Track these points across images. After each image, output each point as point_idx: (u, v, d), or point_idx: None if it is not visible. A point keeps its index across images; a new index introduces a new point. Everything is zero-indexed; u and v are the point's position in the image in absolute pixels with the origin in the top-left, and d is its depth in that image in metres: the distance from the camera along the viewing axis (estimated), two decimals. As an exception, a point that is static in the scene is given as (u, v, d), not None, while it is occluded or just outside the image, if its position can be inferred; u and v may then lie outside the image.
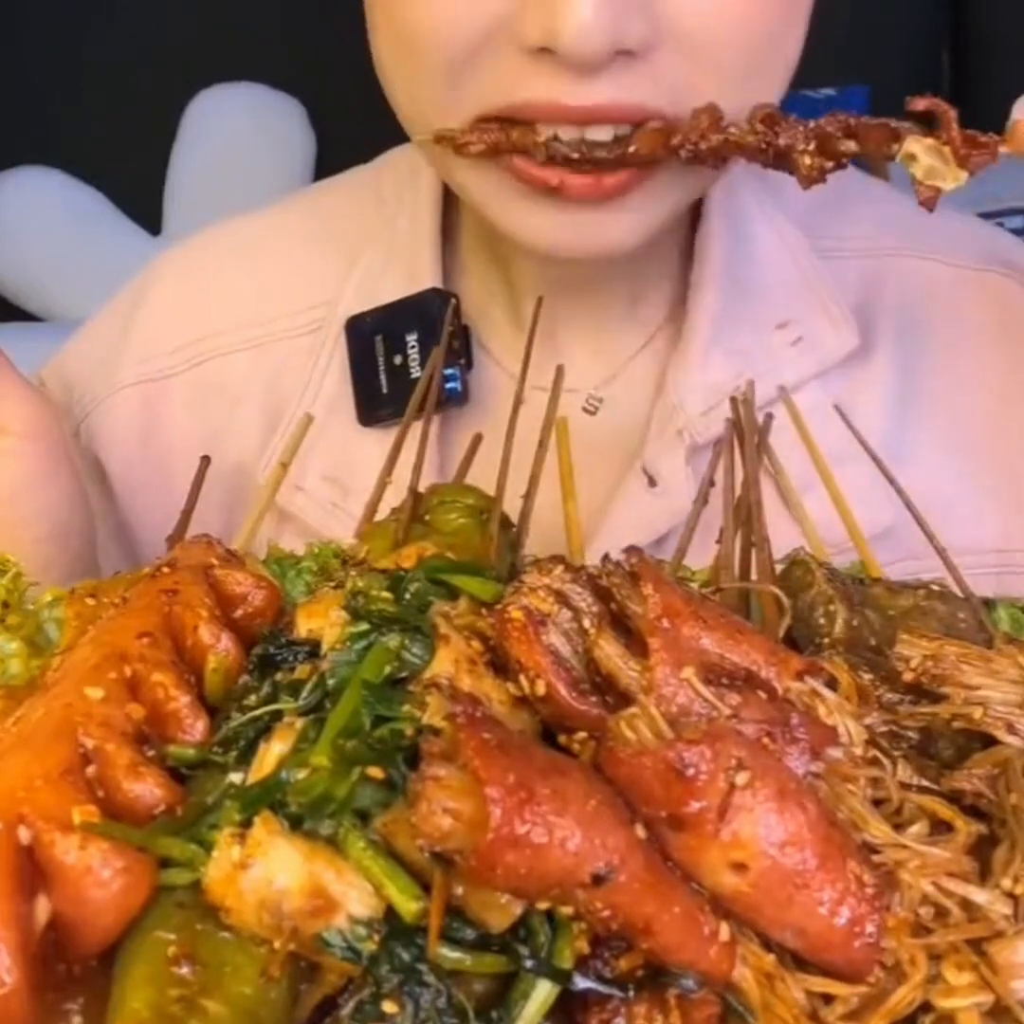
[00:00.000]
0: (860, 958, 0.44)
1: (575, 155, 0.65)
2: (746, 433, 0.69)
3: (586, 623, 0.52)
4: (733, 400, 0.75)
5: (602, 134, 0.66)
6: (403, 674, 0.50)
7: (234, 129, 2.42)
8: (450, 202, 0.85)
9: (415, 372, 0.82)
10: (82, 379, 0.92)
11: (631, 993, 0.43)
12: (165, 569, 0.58)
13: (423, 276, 0.84)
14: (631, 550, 0.53)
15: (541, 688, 0.49)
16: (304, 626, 0.54)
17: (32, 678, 0.58)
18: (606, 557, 0.54)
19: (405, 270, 0.85)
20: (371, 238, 0.87)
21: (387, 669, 0.49)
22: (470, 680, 0.49)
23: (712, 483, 0.68)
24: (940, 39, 2.62)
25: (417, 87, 0.70)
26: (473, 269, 0.86)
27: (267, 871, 0.42)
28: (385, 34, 0.70)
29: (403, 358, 0.82)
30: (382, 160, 0.93)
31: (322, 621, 0.53)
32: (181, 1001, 0.41)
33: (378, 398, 0.83)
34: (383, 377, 0.83)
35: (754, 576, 0.63)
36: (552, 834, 0.41)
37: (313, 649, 0.53)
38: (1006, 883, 0.46)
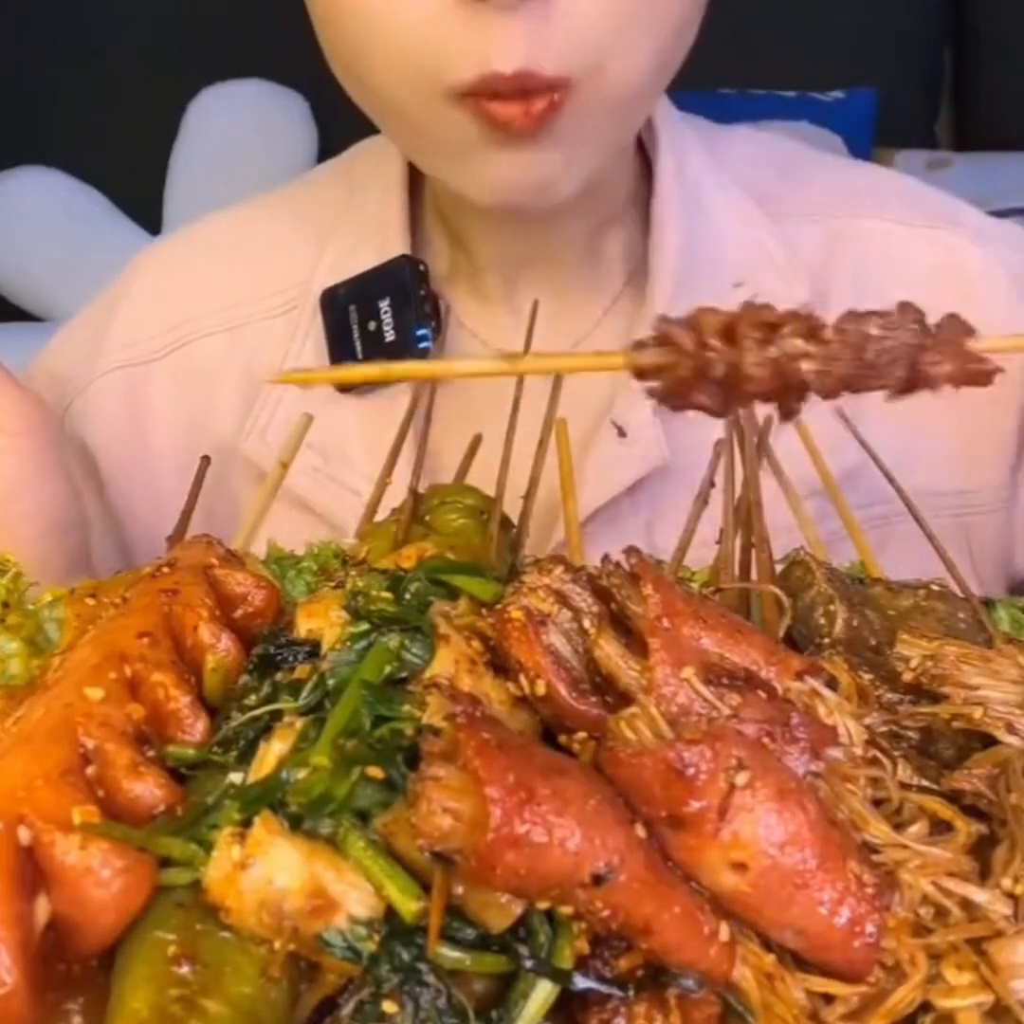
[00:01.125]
0: (860, 958, 0.44)
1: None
2: (746, 433, 0.69)
3: (586, 623, 0.52)
4: (733, 400, 0.75)
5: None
6: (403, 674, 0.50)
7: (236, 126, 2.42)
8: (415, 184, 0.89)
9: (389, 336, 0.85)
10: (67, 369, 0.94)
11: (631, 993, 0.43)
12: (165, 569, 0.58)
13: (393, 247, 0.87)
14: (631, 550, 0.53)
15: (541, 688, 0.49)
16: (304, 626, 0.54)
17: (32, 678, 0.58)
18: (606, 557, 0.54)
19: (376, 244, 0.88)
20: (343, 219, 0.90)
21: (387, 669, 0.50)
22: (470, 680, 0.49)
23: (712, 483, 0.68)
24: (941, 39, 2.62)
25: (379, 75, 0.73)
26: (437, 248, 0.90)
27: (267, 871, 0.42)
28: (337, 29, 0.73)
29: (377, 324, 0.85)
30: (353, 151, 0.96)
31: (322, 621, 0.53)
32: (181, 1001, 0.41)
33: (355, 364, 0.86)
34: (358, 344, 0.86)
35: (754, 576, 0.63)
36: (552, 834, 0.41)
37: (313, 649, 0.53)
38: (1006, 883, 0.46)
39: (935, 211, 0.91)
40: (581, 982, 0.43)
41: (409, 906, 0.42)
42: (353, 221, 0.90)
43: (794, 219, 0.89)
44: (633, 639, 0.51)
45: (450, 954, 0.42)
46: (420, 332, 0.84)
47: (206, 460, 0.73)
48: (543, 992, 0.43)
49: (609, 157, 0.79)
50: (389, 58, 0.71)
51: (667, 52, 0.74)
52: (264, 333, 0.90)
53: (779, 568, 0.63)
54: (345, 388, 0.86)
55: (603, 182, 0.81)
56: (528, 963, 0.42)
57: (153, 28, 2.44)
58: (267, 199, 0.98)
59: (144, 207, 2.46)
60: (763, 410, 0.76)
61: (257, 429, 0.87)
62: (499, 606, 0.52)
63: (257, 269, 0.92)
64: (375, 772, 0.45)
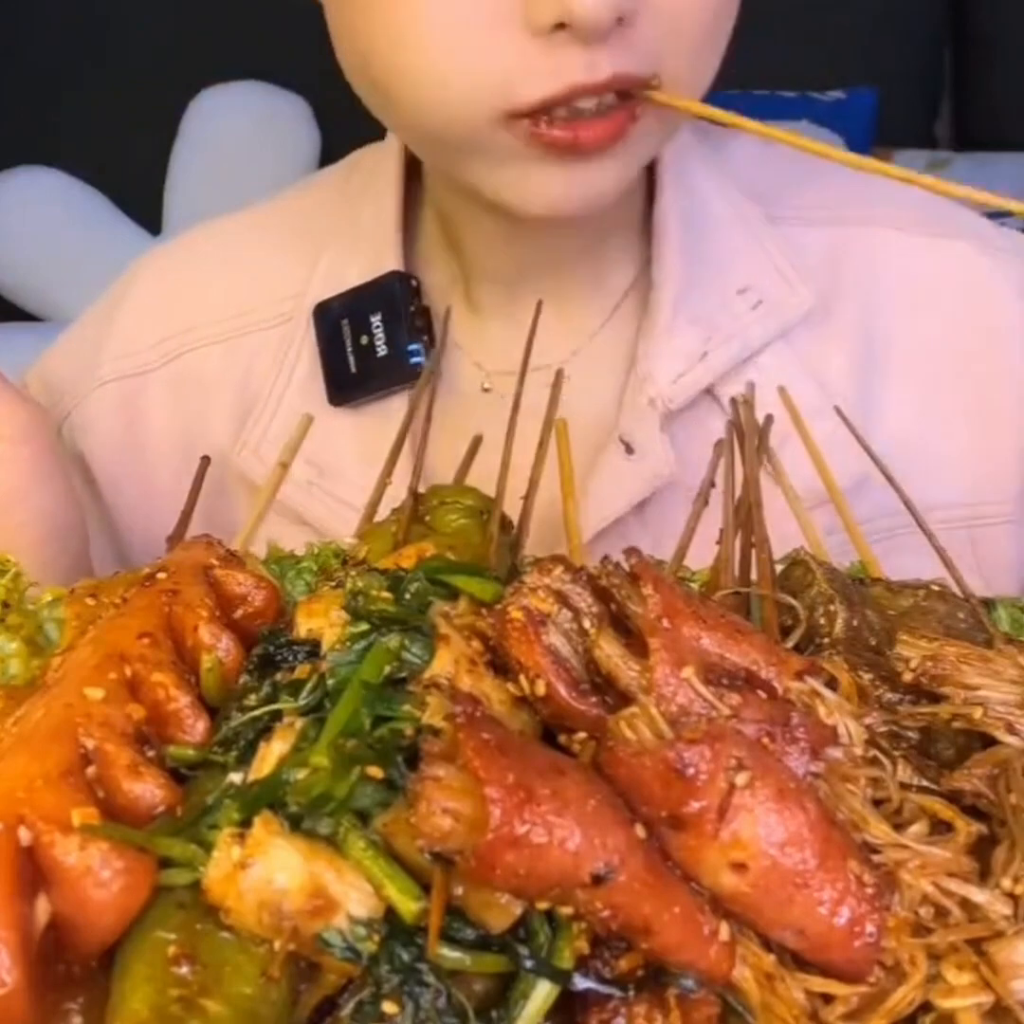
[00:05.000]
0: (860, 958, 0.44)
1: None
2: (746, 433, 0.69)
3: (586, 623, 0.52)
4: (733, 401, 0.75)
5: (587, 104, 0.69)
6: (403, 674, 0.50)
7: (236, 128, 2.42)
8: (410, 198, 0.89)
9: (381, 351, 0.85)
10: (64, 378, 0.94)
11: (631, 993, 0.43)
12: (164, 570, 0.58)
13: (386, 262, 0.87)
14: (631, 551, 0.54)
15: (541, 688, 0.49)
16: (304, 626, 0.54)
17: (32, 678, 0.58)
18: (606, 557, 0.54)
19: (369, 258, 0.88)
20: (337, 232, 0.90)
21: (387, 669, 0.50)
22: (470, 680, 0.49)
23: (712, 483, 0.68)
24: (941, 39, 2.62)
25: (428, 91, 0.70)
26: (432, 259, 0.90)
27: (267, 871, 0.42)
28: (384, 37, 0.70)
29: (369, 338, 0.86)
30: (349, 160, 0.96)
31: (322, 621, 0.53)
32: (181, 1001, 0.41)
33: (347, 378, 0.87)
34: (351, 358, 0.86)
35: (754, 576, 0.63)
36: (552, 834, 0.41)
37: (313, 649, 0.53)
38: (1006, 883, 0.46)
39: (941, 218, 0.90)
40: (581, 982, 0.43)
41: (409, 906, 0.42)
42: (346, 233, 0.90)
43: (797, 223, 0.88)
44: (633, 639, 0.51)
45: (450, 954, 0.42)
46: (411, 347, 0.85)
47: (206, 460, 0.73)
48: (543, 992, 0.43)
49: (641, 172, 0.79)
50: (439, 76, 0.69)
51: (720, 60, 0.75)
52: (260, 345, 0.90)
53: (779, 568, 0.63)
54: (339, 401, 0.87)
55: None
56: (528, 963, 0.42)
57: (154, 28, 2.44)
58: (263, 209, 0.98)
59: (144, 207, 2.45)
60: (762, 410, 0.76)
61: (251, 443, 0.88)
62: (499, 606, 0.52)
63: (253, 281, 0.92)
64: (375, 772, 0.45)
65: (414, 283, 0.86)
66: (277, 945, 0.42)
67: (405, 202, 0.88)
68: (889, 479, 0.69)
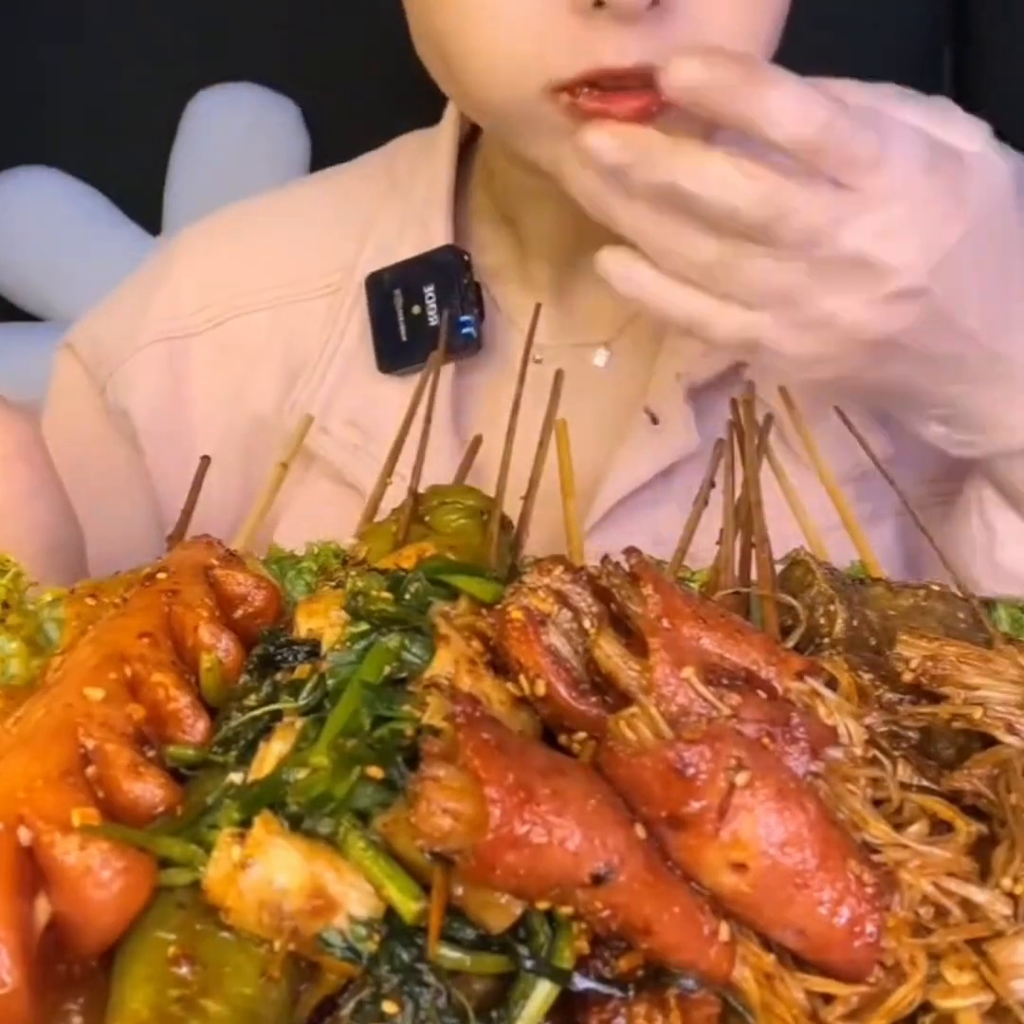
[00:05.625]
0: (860, 958, 0.44)
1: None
2: (746, 433, 0.69)
3: (586, 623, 0.52)
4: (733, 401, 0.75)
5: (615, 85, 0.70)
6: (403, 674, 0.50)
7: (232, 129, 2.41)
8: (460, 175, 0.91)
9: (433, 320, 0.87)
10: (109, 339, 0.97)
11: (631, 993, 0.43)
12: (164, 570, 0.58)
13: (437, 236, 0.89)
14: (631, 551, 0.54)
15: (541, 688, 0.49)
16: (304, 626, 0.54)
17: (32, 678, 0.58)
18: (606, 557, 0.54)
19: (421, 233, 0.90)
20: (386, 210, 0.93)
21: (387, 669, 0.50)
22: (470, 680, 0.49)
23: (712, 484, 0.68)
24: (941, 39, 2.62)
25: (481, 61, 0.73)
26: (484, 235, 0.92)
27: (267, 871, 0.42)
28: (442, 12, 0.74)
29: (421, 308, 0.88)
30: (394, 145, 0.98)
31: (322, 621, 0.53)
32: (181, 1001, 0.41)
33: (398, 346, 0.89)
34: (402, 327, 0.89)
35: (754, 576, 0.63)
36: (552, 834, 0.41)
37: (313, 649, 0.53)
38: (1006, 883, 0.46)
39: None
40: (581, 982, 0.43)
41: (409, 906, 0.42)
42: (396, 209, 0.92)
43: None
44: (633, 639, 0.51)
45: (450, 954, 0.42)
46: (464, 318, 0.87)
47: (206, 460, 0.73)
48: (543, 992, 0.43)
49: None
50: (494, 49, 0.72)
51: (772, 44, 0.77)
52: (306, 314, 0.92)
53: (779, 568, 0.63)
54: (387, 368, 0.89)
55: None
56: (528, 963, 0.42)
57: (153, 28, 2.44)
58: (302, 188, 1.01)
59: (144, 207, 2.45)
60: (763, 410, 0.76)
61: (300, 405, 0.89)
62: (499, 606, 0.52)
63: (300, 251, 0.94)
64: (375, 772, 0.45)
65: (466, 258, 0.88)
66: (277, 945, 0.42)
67: (456, 180, 0.90)
68: (887, 478, 0.69)
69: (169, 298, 0.95)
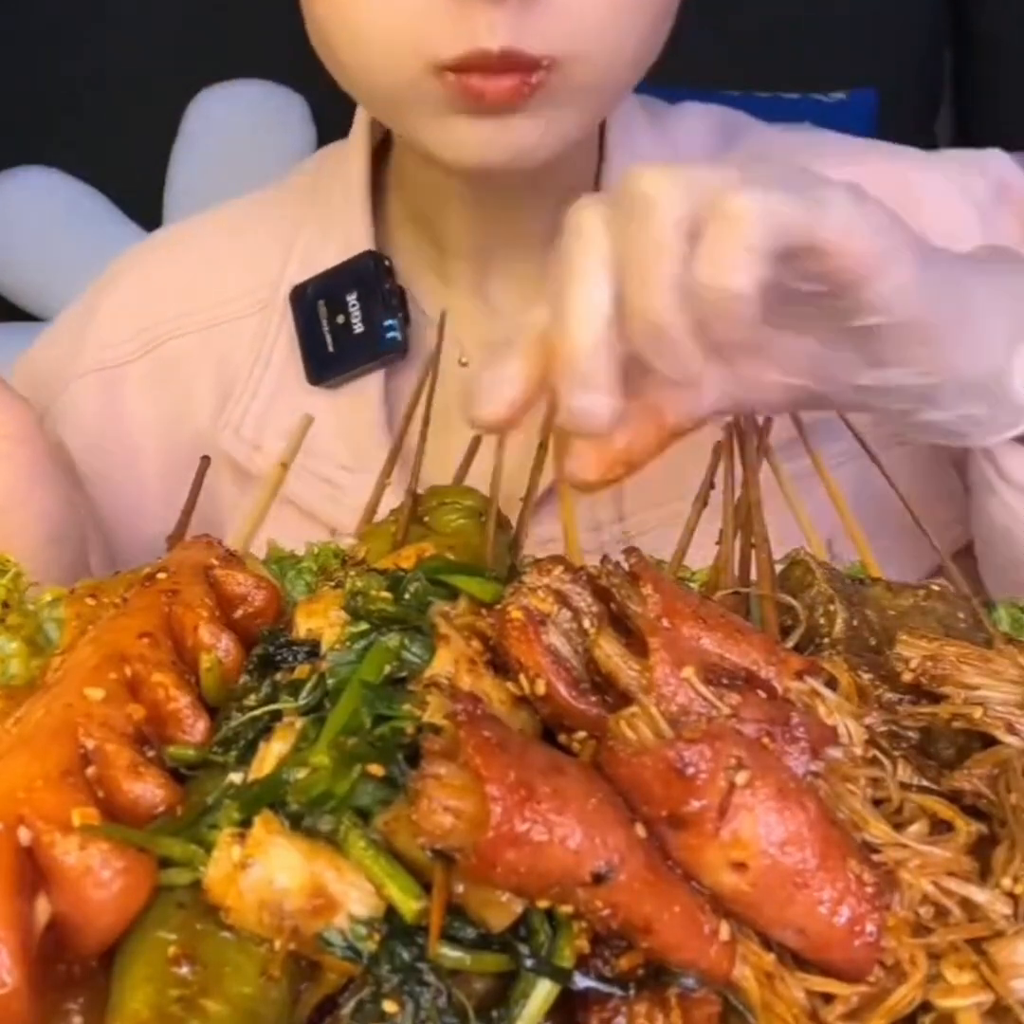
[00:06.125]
0: (860, 957, 0.44)
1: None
2: (746, 434, 0.69)
3: (586, 623, 0.52)
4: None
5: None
6: (403, 674, 0.50)
7: (235, 127, 2.41)
8: (377, 180, 0.91)
9: (357, 328, 0.88)
10: (44, 371, 0.97)
11: (632, 992, 0.43)
12: (164, 570, 0.58)
13: (358, 242, 0.89)
14: (631, 550, 0.54)
15: (541, 688, 0.49)
16: (304, 626, 0.54)
17: (32, 678, 0.58)
18: (605, 557, 0.54)
19: (341, 240, 0.90)
20: (310, 219, 0.93)
21: (387, 669, 0.50)
22: (470, 680, 0.49)
23: (712, 485, 0.68)
24: (941, 39, 2.62)
25: (362, 45, 0.75)
26: (403, 238, 0.92)
27: (267, 871, 0.42)
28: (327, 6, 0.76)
29: (346, 317, 0.88)
30: (319, 155, 1.00)
31: (322, 621, 0.53)
32: (181, 1001, 0.41)
33: (326, 357, 0.89)
34: (328, 337, 0.89)
35: (754, 576, 0.63)
36: (552, 832, 0.41)
37: (313, 649, 0.53)
38: (1006, 883, 0.46)
39: (880, 154, 0.91)
40: (581, 981, 0.43)
41: (410, 905, 0.42)
42: (318, 219, 0.92)
43: None
44: (633, 639, 0.51)
45: (450, 953, 0.42)
46: (388, 323, 0.87)
47: (206, 460, 0.73)
48: (543, 991, 0.43)
49: (582, 132, 0.81)
50: (372, 32, 0.73)
51: (648, 41, 0.77)
52: (236, 333, 0.92)
53: (779, 568, 0.63)
54: (316, 381, 0.89)
55: (568, 158, 0.82)
56: (528, 962, 0.42)
57: (153, 28, 2.44)
58: (239, 205, 1.01)
59: (144, 207, 2.45)
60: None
61: (232, 424, 0.90)
62: (499, 606, 0.52)
63: (230, 273, 0.94)
64: (375, 770, 0.45)
65: (387, 263, 0.89)
66: (277, 945, 0.42)
67: (373, 187, 0.90)
68: (885, 476, 0.69)
69: (103, 327, 0.95)
